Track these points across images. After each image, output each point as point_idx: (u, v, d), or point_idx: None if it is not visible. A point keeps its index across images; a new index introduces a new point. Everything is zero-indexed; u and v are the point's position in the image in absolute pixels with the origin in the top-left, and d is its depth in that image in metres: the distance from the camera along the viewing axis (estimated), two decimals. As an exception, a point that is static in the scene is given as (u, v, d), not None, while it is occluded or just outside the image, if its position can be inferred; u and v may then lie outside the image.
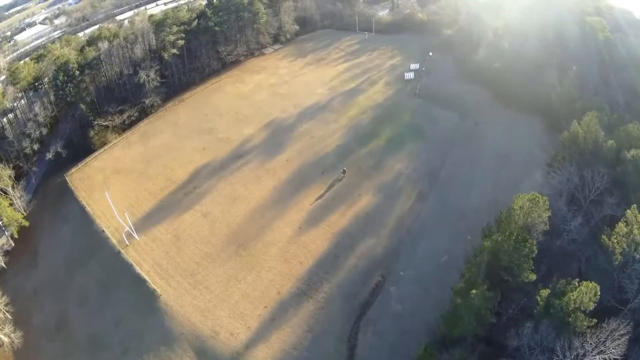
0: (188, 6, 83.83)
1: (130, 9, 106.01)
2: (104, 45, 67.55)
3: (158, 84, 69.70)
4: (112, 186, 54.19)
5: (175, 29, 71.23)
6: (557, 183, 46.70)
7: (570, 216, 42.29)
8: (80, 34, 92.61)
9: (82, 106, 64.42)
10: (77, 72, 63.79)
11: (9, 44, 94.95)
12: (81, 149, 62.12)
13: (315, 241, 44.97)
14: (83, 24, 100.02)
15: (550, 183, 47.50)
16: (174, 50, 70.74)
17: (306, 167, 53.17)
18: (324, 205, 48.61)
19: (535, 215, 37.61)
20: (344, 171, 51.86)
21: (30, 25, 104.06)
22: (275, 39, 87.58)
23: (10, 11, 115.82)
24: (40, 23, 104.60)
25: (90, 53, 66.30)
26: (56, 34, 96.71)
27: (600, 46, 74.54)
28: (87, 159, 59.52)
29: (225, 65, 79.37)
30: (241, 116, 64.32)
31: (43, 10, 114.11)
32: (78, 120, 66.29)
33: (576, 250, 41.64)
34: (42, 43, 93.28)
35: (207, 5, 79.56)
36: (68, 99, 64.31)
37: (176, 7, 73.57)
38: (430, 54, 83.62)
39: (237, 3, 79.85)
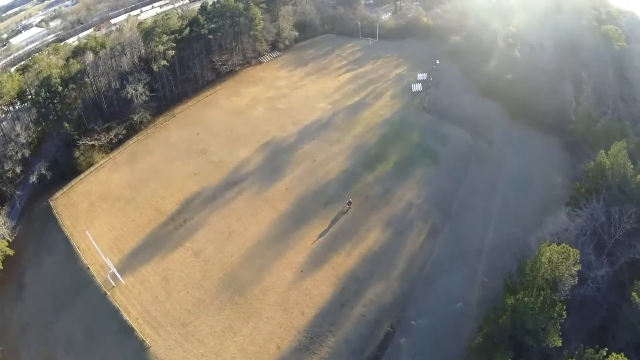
0: (179, 13, 78.54)
1: (125, 12, 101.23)
2: (89, 57, 62.83)
3: (147, 98, 64.48)
4: (97, 215, 50.05)
5: (165, 38, 65.72)
6: (582, 220, 42.96)
7: (597, 263, 38.59)
8: (74, 38, 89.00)
9: (66, 125, 59.53)
10: (61, 88, 58.48)
11: (3, 48, 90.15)
12: (67, 169, 57.64)
13: (318, 287, 40.72)
14: (77, 27, 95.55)
15: (572, 219, 43.75)
16: (164, 62, 65.35)
17: (307, 198, 48.72)
18: (328, 243, 44.28)
19: (564, 269, 33.68)
20: (350, 202, 47.51)
21: (26, 27, 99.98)
22: (273, 46, 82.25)
23: (8, 12, 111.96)
24: (36, 25, 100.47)
25: (75, 66, 60.90)
26: (50, 37, 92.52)
27: (616, 57, 70.57)
28: (73, 182, 55.16)
29: (220, 75, 74.20)
30: (236, 135, 59.53)
31: (40, 12, 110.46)
32: (63, 138, 61.11)
33: (600, 298, 38.11)
34: (36, 47, 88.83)
35: (200, 12, 74.34)
36: (51, 117, 59.62)
37: (166, 14, 68.29)
38: (437, 62, 78.65)
39: (232, 8, 74.25)
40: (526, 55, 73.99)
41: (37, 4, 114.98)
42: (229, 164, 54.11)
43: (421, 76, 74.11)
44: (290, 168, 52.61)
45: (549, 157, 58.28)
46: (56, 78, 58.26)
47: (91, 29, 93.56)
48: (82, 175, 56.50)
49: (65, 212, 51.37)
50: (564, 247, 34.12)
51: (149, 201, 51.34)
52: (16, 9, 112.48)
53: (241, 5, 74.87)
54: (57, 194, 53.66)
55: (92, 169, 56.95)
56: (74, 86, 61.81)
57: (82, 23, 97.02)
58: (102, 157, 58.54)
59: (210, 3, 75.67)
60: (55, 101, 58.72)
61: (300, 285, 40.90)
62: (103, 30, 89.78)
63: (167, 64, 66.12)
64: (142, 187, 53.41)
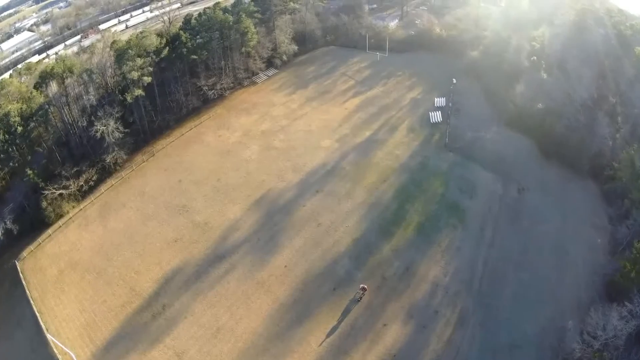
0: (165, 21, 67.74)
1: (116, 16, 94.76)
2: (52, 88, 52.84)
3: (121, 134, 55.16)
4: (66, 289, 41.86)
5: (139, 61, 55.48)
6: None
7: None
8: (61, 47, 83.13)
9: (29, 172, 49.94)
10: (21, 128, 48.86)
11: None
12: (36, 219, 49.46)
13: (327, 412, 32.96)
14: (66, 33, 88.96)
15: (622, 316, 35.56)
16: (139, 91, 55.36)
17: (312, 280, 39.66)
18: (338, 345, 35.45)
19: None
20: (364, 289, 38.55)
21: (19, 31, 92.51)
22: (269, 63, 71.63)
23: (3, 14, 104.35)
24: (28, 29, 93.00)
25: (37, 99, 51.11)
26: (37, 44, 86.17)
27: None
28: (41, 239, 47.00)
29: (207, 101, 63.90)
30: (224, 185, 49.90)
31: (34, 14, 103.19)
32: (30, 184, 51.76)
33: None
34: (23, 55, 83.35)
35: (182, 26, 63.62)
36: (11, 163, 49.96)
37: (142, 33, 57.49)
38: (454, 81, 68.98)
39: (220, 21, 63.37)
40: (555, 78, 64.05)
41: (32, 5, 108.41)
42: (215, 227, 44.96)
43: (439, 101, 64.29)
44: (290, 236, 43.40)
45: (586, 210, 49.62)
46: (15, 116, 48.47)
47: (78, 36, 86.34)
48: (50, 231, 48.61)
49: (33, 278, 43.69)
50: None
51: (123, 276, 42.49)
52: (11, 11, 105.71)
53: (231, 18, 64.03)
54: (25, 254, 45.94)
55: (61, 222, 48.85)
56: (36, 124, 52.17)
57: (69, 29, 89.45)
58: (73, 207, 50.14)
59: (194, 16, 65.30)
60: (16, 143, 49.22)
61: (305, 409, 32.94)
62: (89, 38, 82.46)
63: (143, 94, 56.48)
64: (115, 255, 44.45)
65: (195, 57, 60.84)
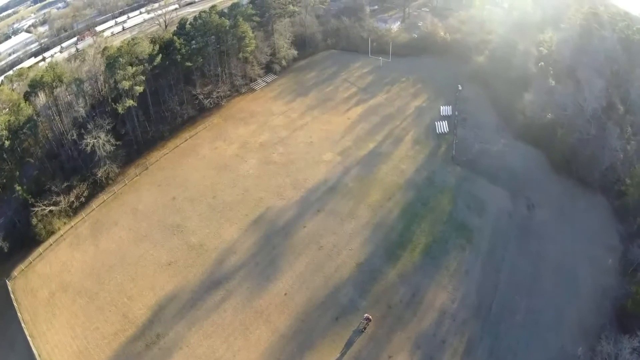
0: (160, 25, 64.89)
1: (113, 17, 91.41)
2: (41, 100, 50.23)
3: (113, 147, 52.50)
4: (58, 313, 39.99)
5: (131, 70, 52.89)
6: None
7: None
8: (57, 49, 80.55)
9: (18, 188, 47.73)
10: (8, 142, 46.16)
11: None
12: (26, 236, 47.23)
13: None
14: (62, 35, 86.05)
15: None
16: (131, 102, 52.77)
17: (313, 309, 37.46)
18: (341, 380, 34.27)
19: None
20: (368, 319, 36.51)
21: (16, 32, 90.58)
22: (268, 68, 68.78)
23: (2, 15, 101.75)
24: (26, 30, 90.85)
25: (26, 111, 48.37)
26: (34, 46, 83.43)
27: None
28: (32, 257, 45.02)
29: (202, 109, 61.23)
30: (220, 203, 47.47)
31: (33, 15, 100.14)
32: (19, 200, 49.33)
33: None
34: (19, 57, 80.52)
35: (177, 32, 60.44)
36: None
37: (133, 39, 54.62)
38: (460, 87, 66.45)
39: (216, 25, 60.53)
40: (565, 86, 61.37)
41: (30, 6, 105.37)
42: (211, 250, 42.67)
43: (445, 110, 61.74)
44: (290, 260, 41.11)
45: (597, 229, 47.43)
46: (2, 129, 45.79)
47: (75, 38, 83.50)
48: (40, 249, 46.56)
49: (24, 300, 41.85)
50: None
51: (115, 301, 40.30)
52: (10, 11, 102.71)
53: (227, 22, 61.13)
54: (15, 273, 44.06)
55: (52, 240, 46.72)
56: (25, 137, 49.53)
57: (66, 30, 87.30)
58: (64, 223, 47.98)
59: (189, 20, 62.39)
60: (3, 157, 46.61)
61: None
62: (85, 40, 79.91)
63: (135, 104, 53.89)
64: (106, 278, 42.20)
65: (190, 64, 58.20)
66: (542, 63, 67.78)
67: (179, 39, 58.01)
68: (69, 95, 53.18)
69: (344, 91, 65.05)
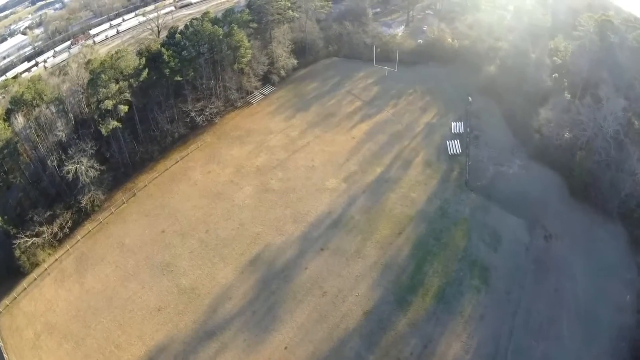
0: (152, 31, 59.70)
1: (108, 20, 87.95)
2: (19, 122, 45.58)
3: (97, 172, 48.12)
4: (44, 356, 37.05)
5: (114, 87, 48.32)
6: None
7: None
8: (50, 53, 78.00)
9: (-1, 219, 44.45)
10: None
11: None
12: (11, 266, 43.77)
13: None
14: (56, 38, 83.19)
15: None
16: (115, 123, 48.11)
17: (317, 366, 34.56)
18: None
19: None
20: (378, 381, 33.52)
21: (12, 34, 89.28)
22: (266, 79, 63.73)
23: (0, 15, 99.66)
24: (22, 32, 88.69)
25: (4, 134, 44.16)
26: (27, 50, 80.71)
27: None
28: (16, 292, 41.73)
29: (195, 127, 56.50)
30: (214, 239, 43.37)
31: (29, 16, 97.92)
32: (1, 230, 45.54)
33: None
34: (12, 61, 78.05)
35: (166, 42, 55.29)
36: None
37: (117, 52, 49.30)
38: (470, 99, 62.40)
39: (209, 34, 55.49)
40: (583, 102, 56.58)
41: (28, 7, 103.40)
42: (203, 295, 38.69)
43: (457, 127, 57.26)
44: (290, 308, 37.25)
45: (615, 261, 43.52)
46: None
47: (69, 42, 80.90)
48: (25, 284, 43.21)
49: (10, 339, 38.89)
50: None
51: (102, 348, 36.63)
52: (7, 12, 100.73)
53: (221, 31, 56.16)
54: (0, 309, 40.88)
55: (36, 274, 43.23)
56: (4, 163, 45.47)
57: (60, 33, 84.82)
58: (49, 254, 44.46)
59: (179, 28, 57.34)
60: None
61: None
62: (79, 44, 77.88)
63: (120, 126, 49.32)
64: (93, 321, 38.56)
65: (179, 78, 53.49)
66: (556, 74, 63.63)
67: (167, 50, 53.00)
68: (51, 115, 48.93)
69: (347, 105, 60.47)
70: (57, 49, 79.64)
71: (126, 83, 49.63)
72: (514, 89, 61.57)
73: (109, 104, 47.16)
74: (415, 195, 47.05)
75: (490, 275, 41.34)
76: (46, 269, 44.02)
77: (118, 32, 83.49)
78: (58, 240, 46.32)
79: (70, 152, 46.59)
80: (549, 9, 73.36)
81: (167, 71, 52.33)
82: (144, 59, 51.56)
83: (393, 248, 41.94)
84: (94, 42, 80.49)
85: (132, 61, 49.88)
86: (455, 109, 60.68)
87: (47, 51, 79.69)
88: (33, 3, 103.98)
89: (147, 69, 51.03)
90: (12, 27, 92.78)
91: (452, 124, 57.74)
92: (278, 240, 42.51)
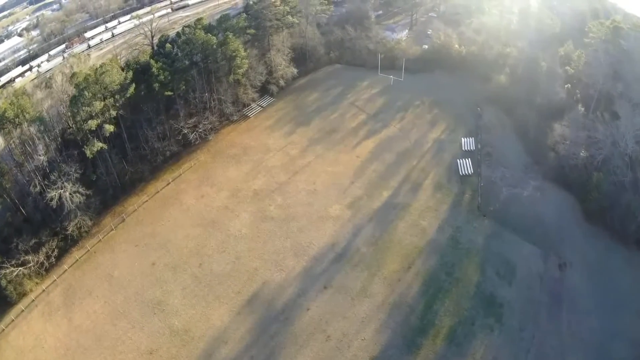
0: (145, 35, 55.72)
1: (104, 22, 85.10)
2: (0, 142, 42.36)
3: (83, 197, 44.51)
4: None
5: (98, 106, 44.40)
6: None
7: None
8: (44, 57, 74.88)
9: (-20, 250, 41.01)
10: None
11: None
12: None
13: None
14: (51, 41, 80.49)
15: None
16: (100, 145, 44.24)
17: None
18: None
19: None
20: None
21: (9, 35, 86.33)
22: (264, 89, 59.82)
23: None
24: (18, 34, 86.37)
25: None
26: (22, 53, 78.07)
27: None
28: (4, 324, 38.63)
29: (187, 144, 52.73)
30: (207, 274, 39.95)
31: (27, 17, 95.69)
32: None
33: None
34: (6, 65, 75.34)
35: (156, 52, 51.63)
36: None
37: (101, 67, 44.94)
38: (479, 110, 59.38)
39: (202, 43, 51.40)
40: (598, 118, 52.83)
41: (26, 7, 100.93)
42: (197, 338, 35.46)
43: (467, 143, 53.97)
44: (291, 354, 34.14)
45: (632, 292, 40.48)
46: None
47: (63, 45, 78.10)
48: (12, 315, 40.09)
49: None
50: None
51: None
52: (6, 13, 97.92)
53: (215, 40, 52.02)
54: None
55: (22, 306, 40.06)
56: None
57: (56, 36, 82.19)
58: (36, 283, 41.35)
59: (170, 38, 53.11)
60: None
61: None
62: (74, 47, 75.94)
63: (105, 147, 45.56)
64: (81, 365, 36.13)
65: (170, 92, 49.69)
66: (569, 85, 60.20)
67: (156, 62, 49.00)
68: (33, 134, 45.37)
69: (351, 119, 56.81)
70: (52, 52, 77.05)
71: (111, 100, 45.75)
72: (525, 101, 58.60)
73: (92, 124, 43.20)
74: (425, 224, 43.84)
75: (503, 312, 38.39)
76: (33, 300, 40.88)
77: (113, 35, 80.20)
78: (45, 269, 43.10)
79: (53, 176, 43.10)
80: (556, 12, 69.89)
81: (156, 85, 48.46)
82: (130, 73, 47.55)
83: (402, 285, 38.87)
84: (89, 45, 77.72)
85: (117, 76, 45.62)
86: (464, 123, 57.42)
87: (42, 54, 77.01)
88: (31, 3, 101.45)
89: (134, 84, 47.11)
90: (10, 28, 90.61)
91: (463, 140, 54.45)
92: (277, 276, 39.28)
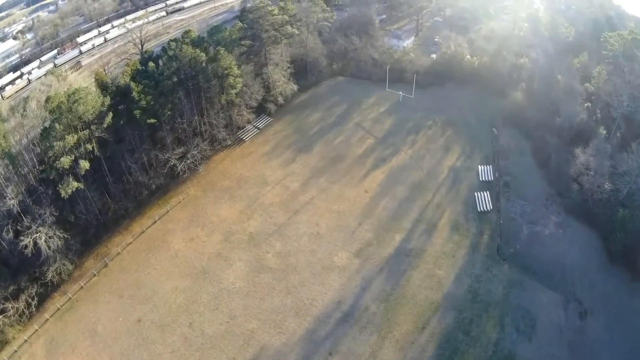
0: (134, 43, 50.34)
1: (98, 25, 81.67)
2: None
3: (61, 240, 39.55)
4: None
5: (72, 139, 38.76)
6: None
7: None
8: (35, 63, 71.54)
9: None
10: None
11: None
12: None
13: None
14: (44, 45, 77.59)
15: None
16: (75, 184, 38.94)
17: None
18: None
19: None
20: None
21: (4, 38, 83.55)
22: (260, 108, 54.25)
23: None
24: (13, 37, 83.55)
25: None
26: (14, 58, 74.83)
27: None
28: None
29: (174, 176, 47.33)
30: (198, 336, 35.60)
31: (24, 18, 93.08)
32: None
33: None
34: None
35: (138, 72, 45.04)
36: None
37: (74, 93, 39.02)
38: (495, 131, 54.87)
39: (190, 60, 45.46)
40: (624, 146, 48.08)
41: (23, 9, 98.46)
42: (190, 417, 32.56)
43: (484, 172, 49.38)
44: None
45: None
46: None
47: (55, 50, 74.67)
48: None
49: None
50: None
51: None
52: (3, 14, 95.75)
53: (204, 56, 46.01)
54: None
55: (6, 356, 36.10)
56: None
57: (49, 40, 78.88)
58: (19, 330, 37.29)
59: (154, 54, 47.04)
60: None
61: None
62: (66, 53, 73.40)
63: (82, 186, 40.42)
64: None
65: (154, 120, 43.95)
66: (589, 104, 55.28)
67: (137, 85, 42.96)
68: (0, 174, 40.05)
69: (357, 144, 51.58)
70: (43, 58, 73.20)
71: (87, 132, 40.25)
72: (543, 122, 53.91)
73: (65, 162, 37.83)
74: (441, 273, 39.55)
75: (523, 374, 35.55)
76: (16, 351, 36.86)
77: (106, 40, 75.99)
78: (27, 317, 38.88)
79: (25, 221, 38.17)
80: (567, 19, 64.42)
81: (137, 112, 42.73)
82: (108, 98, 41.88)
83: (415, 348, 34.92)
84: (80, 51, 73.76)
85: (92, 103, 39.57)
86: (480, 147, 52.70)
87: (34, 60, 73.08)
88: (28, 5, 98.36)
89: (112, 112, 41.43)
90: (6, 30, 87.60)
91: (480, 167, 49.85)
92: (277, 341, 35.04)
